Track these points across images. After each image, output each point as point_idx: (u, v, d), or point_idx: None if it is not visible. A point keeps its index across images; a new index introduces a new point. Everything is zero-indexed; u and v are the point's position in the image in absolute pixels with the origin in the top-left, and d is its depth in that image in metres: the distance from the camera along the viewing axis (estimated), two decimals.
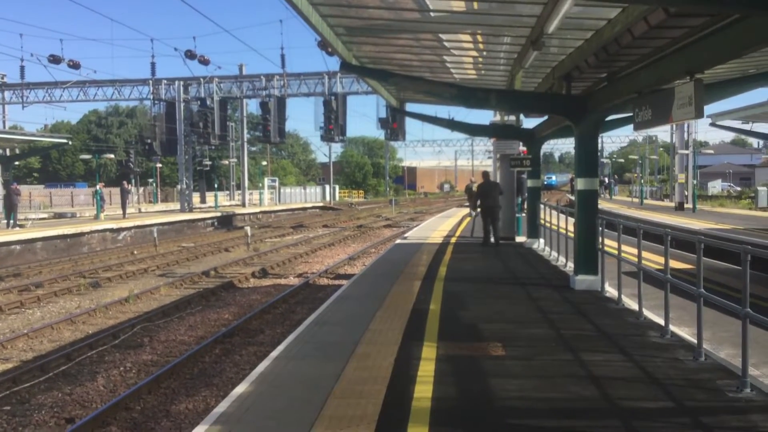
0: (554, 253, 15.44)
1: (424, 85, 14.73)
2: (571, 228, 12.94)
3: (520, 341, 7.71)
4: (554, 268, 14.09)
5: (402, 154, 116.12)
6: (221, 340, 11.92)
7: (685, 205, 36.08)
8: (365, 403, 5.57)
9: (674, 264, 9.75)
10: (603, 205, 34.95)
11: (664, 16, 7.55)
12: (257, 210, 48.64)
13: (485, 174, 19.63)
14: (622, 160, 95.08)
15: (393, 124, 27.49)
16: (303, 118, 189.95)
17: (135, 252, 26.44)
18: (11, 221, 28.10)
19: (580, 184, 11.50)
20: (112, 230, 30.05)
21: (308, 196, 69.43)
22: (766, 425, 5.02)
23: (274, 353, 7.28)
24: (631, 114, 10.00)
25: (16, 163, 49.25)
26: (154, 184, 67.76)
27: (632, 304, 9.39)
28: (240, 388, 6.06)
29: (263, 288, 18.02)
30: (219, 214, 42.48)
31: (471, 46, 12.68)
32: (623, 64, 10.54)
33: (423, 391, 5.86)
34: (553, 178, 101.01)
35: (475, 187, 23.01)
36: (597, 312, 9.32)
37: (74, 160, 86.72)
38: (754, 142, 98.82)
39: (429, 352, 7.15)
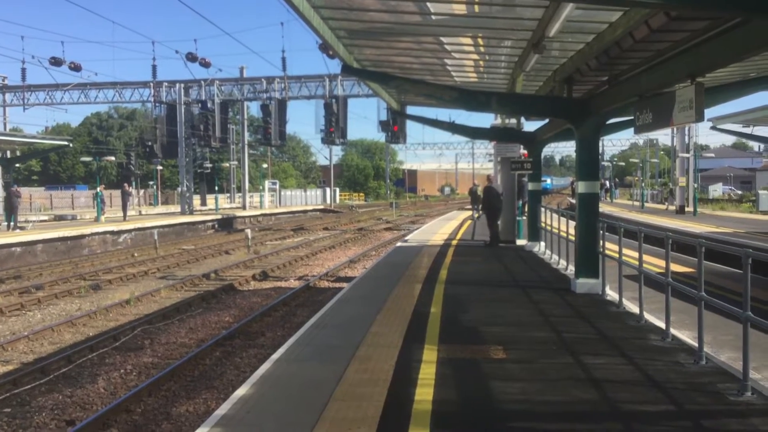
0: (555, 257, 15.43)
1: (425, 88, 14.75)
2: (572, 231, 12.94)
3: (521, 344, 7.71)
4: (555, 271, 14.08)
5: (403, 156, 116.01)
6: (222, 342, 11.92)
7: (686, 209, 36.07)
8: (366, 405, 5.57)
9: (675, 267, 9.74)
10: (604, 208, 34.95)
11: (666, 20, 7.56)
12: (258, 213, 48.65)
13: (489, 178, 19.78)
14: (623, 164, 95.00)
15: (394, 126, 27.51)
16: (304, 121, 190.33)
17: (135, 254, 26.44)
18: (12, 223, 28.12)
19: (581, 187, 11.50)
20: (112, 232, 30.07)
21: (309, 198, 69.46)
22: (766, 428, 5.02)
23: (275, 356, 7.28)
24: (632, 117, 10.00)
25: (17, 165, 49.29)
26: (155, 187, 67.81)
27: (633, 308, 9.39)
28: (241, 391, 6.06)
29: (264, 291, 18.02)
30: (219, 216, 42.49)
31: (472, 49, 12.69)
32: (625, 67, 10.54)
33: (424, 393, 5.85)
34: (548, 181, 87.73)
35: (479, 190, 23.11)
36: (598, 315, 9.31)
37: (75, 163, 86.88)
38: (755, 145, 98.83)
39: (430, 355, 7.14)
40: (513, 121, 21.04)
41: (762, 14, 5.62)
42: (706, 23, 7.72)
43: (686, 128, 37.60)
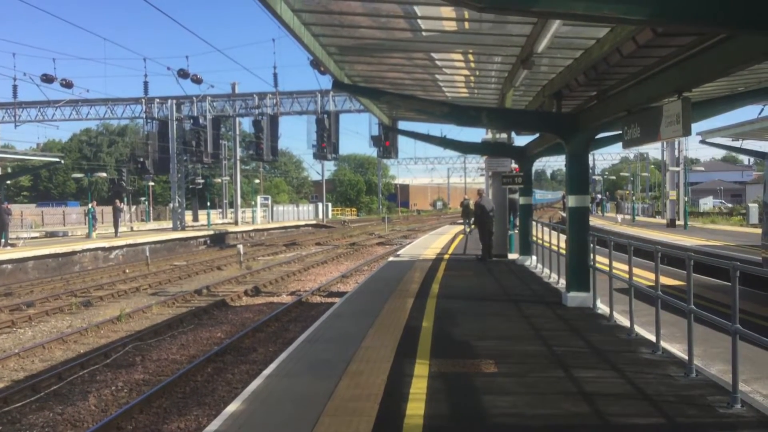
0: (546, 270, 15.47)
1: (416, 104, 14.82)
2: (563, 245, 12.99)
3: (512, 358, 7.72)
4: (546, 284, 14.12)
5: (395, 171, 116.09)
6: (213, 358, 11.87)
7: (677, 222, 36.24)
8: (358, 420, 5.57)
9: (665, 280, 9.80)
10: (594, 222, 35.09)
11: (652, 36, 7.65)
12: (250, 228, 48.56)
13: (480, 192, 19.90)
14: (614, 177, 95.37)
15: (385, 141, 27.63)
16: (296, 137, 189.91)
17: (127, 271, 26.34)
18: (3, 240, 27.97)
19: (572, 201, 11.56)
20: (104, 249, 29.95)
21: (301, 214, 69.35)
22: None
23: (267, 371, 7.27)
24: (621, 132, 10.09)
25: (8, 182, 49.13)
26: (147, 203, 67.70)
27: (624, 321, 9.43)
28: (232, 407, 6.05)
29: (256, 306, 17.97)
30: (211, 232, 42.38)
31: (462, 65, 12.79)
32: (612, 82, 10.65)
33: (415, 408, 5.86)
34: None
35: (471, 204, 23.22)
36: (589, 329, 9.35)
37: (66, 179, 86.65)
38: (744, 159, 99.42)
39: (421, 370, 7.15)
40: (504, 135, 21.17)
41: (746, 30, 5.70)
42: (693, 39, 7.82)
43: (676, 142, 37.90)
